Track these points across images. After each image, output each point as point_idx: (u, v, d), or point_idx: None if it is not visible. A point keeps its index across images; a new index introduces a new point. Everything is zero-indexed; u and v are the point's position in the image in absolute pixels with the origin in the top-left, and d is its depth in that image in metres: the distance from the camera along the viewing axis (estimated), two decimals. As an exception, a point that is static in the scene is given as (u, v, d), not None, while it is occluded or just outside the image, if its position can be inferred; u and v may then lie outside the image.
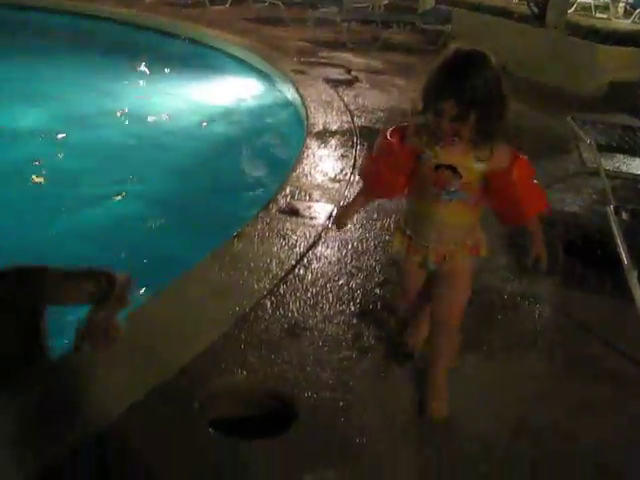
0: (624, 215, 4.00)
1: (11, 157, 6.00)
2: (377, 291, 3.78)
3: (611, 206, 4.13)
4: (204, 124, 7.43)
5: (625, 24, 12.48)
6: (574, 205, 5.40)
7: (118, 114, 7.72)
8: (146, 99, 8.36)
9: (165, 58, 9.95)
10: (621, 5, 14.33)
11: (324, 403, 2.80)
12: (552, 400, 3.04)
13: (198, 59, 10.18)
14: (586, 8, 13.33)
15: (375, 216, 4.79)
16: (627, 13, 13.93)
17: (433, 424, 2.77)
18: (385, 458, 2.57)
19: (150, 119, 7.58)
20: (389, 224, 4.69)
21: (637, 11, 13.12)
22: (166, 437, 2.57)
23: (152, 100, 8.35)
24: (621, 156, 6.17)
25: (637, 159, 6.39)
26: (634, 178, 6.20)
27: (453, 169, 2.49)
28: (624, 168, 6.17)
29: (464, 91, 2.32)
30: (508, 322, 3.63)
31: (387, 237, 4.47)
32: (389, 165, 2.64)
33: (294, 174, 5.42)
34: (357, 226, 4.60)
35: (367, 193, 2.91)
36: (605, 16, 13.15)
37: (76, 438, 2.49)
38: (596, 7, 13.55)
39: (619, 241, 3.62)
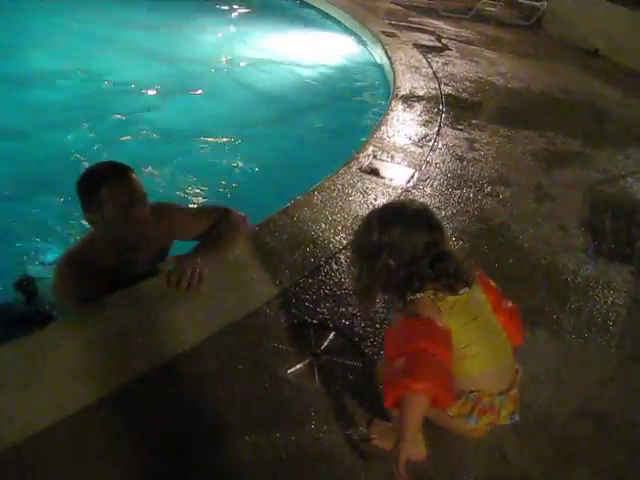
0: None
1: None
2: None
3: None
4: (295, 78, 7.47)
5: None
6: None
7: (221, 64, 7.84)
8: (242, 52, 8.42)
9: (260, 13, 9.99)
10: None
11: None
12: (616, 385, 3.04)
13: (292, 15, 10.17)
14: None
15: (455, 184, 4.80)
16: None
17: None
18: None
19: (248, 71, 7.65)
20: (469, 194, 4.68)
21: None
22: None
23: (247, 54, 8.40)
24: None
25: None
26: None
27: None
28: None
29: None
30: (580, 304, 3.61)
31: (465, 206, 4.48)
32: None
33: (377, 135, 5.43)
34: (436, 192, 4.61)
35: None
36: None
37: (145, 366, 2.62)
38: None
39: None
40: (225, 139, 5.86)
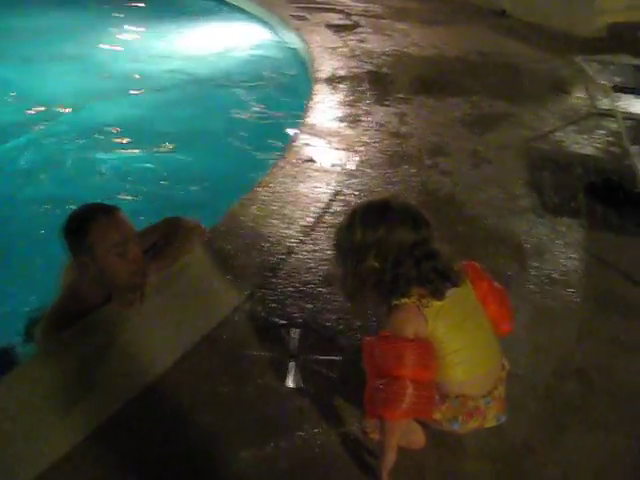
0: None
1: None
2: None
3: (637, 146, 4.12)
4: (211, 74, 7.24)
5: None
6: (589, 147, 5.38)
7: (118, 62, 7.57)
8: (145, 48, 8.18)
9: (161, 7, 9.70)
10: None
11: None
12: (587, 339, 3.08)
13: (193, 9, 9.90)
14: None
15: (395, 161, 4.78)
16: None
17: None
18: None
19: (153, 68, 7.42)
20: (411, 168, 4.67)
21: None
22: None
23: (151, 50, 8.17)
24: (630, 97, 6.13)
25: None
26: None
27: None
28: (633, 109, 6.16)
29: None
30: (539, 264, 3.64)
31: (409, 182, 4.47)
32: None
33: (307, 121, 5.36)
34: (378, 172, 4.59)
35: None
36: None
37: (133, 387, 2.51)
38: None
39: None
40: (146, 145, 5.66)
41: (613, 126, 5.70)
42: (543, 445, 2.47)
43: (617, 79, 5.51)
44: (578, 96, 6.60)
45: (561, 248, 3.82)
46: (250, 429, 2.42)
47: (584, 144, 5.45)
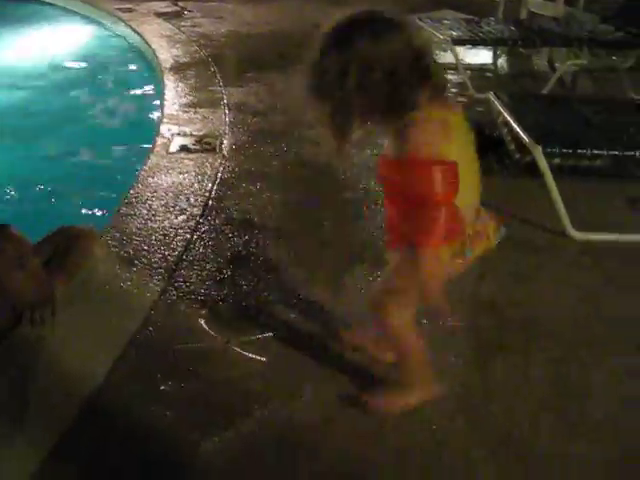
0: (505, 99, 4.25)
1: None
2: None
3: (491, 92, 4.38)
4: (49, 82, 6.81)
5: None
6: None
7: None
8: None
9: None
10: None
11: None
12: (487, 275, 3.25)
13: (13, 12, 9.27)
14: None
15: (267, 138, 4.81)
16: None
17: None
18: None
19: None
20: (282, 144, 4.72)
21: None
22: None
23: None
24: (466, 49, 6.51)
25: (481, 50, 6.79)
26: (481, 68, 6.61)
27: None
28: (469, 60, 6.55)
29: None
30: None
31: (285, 158, 4.52)
32: None
33: (166, 112, 5.26)
34: (252, 153, 4.60)
35: None
36: None
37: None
38: None
39: (513, 124, 3.84)
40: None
41: (453, 78, 6.02)
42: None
43: (453, 33, 5.83)
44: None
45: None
46: (205, 421, 2.38)
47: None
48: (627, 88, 5.81)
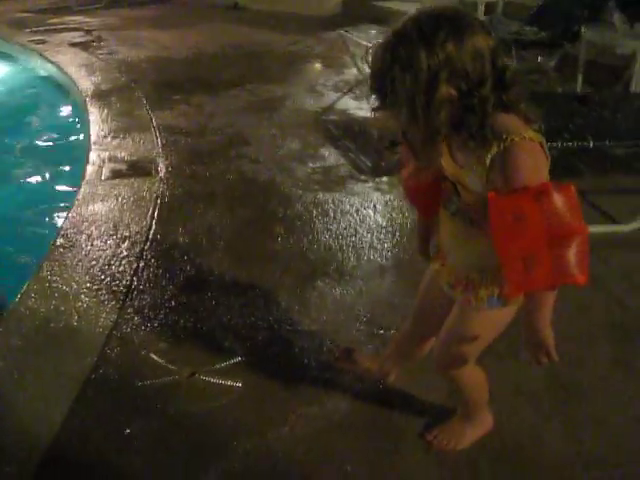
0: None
1: None
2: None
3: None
4: None
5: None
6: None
7: None
8: None
9: None
10: None
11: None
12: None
13: None
14: None
15: (207, 159, 4.60)
16: None
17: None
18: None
19: None
20: (226, 163, 4.52)
21: None
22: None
23: None
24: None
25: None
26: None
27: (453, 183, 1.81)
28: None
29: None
30: (378, 223, 3.68)
31: (228, 175, 4.33)
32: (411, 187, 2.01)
33: (95, 140, 4.97)
34: (199, 172, 4.37)
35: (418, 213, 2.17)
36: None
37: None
38: None
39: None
40: None
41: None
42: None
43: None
44: (342, 68, 6.81)
45: (394, 203, 3.90)
46: (179, 463, 2.14)
47: (366, 108, 5.60)
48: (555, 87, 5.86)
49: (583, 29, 5.49)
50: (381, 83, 1.58)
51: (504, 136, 1.54)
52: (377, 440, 2.23)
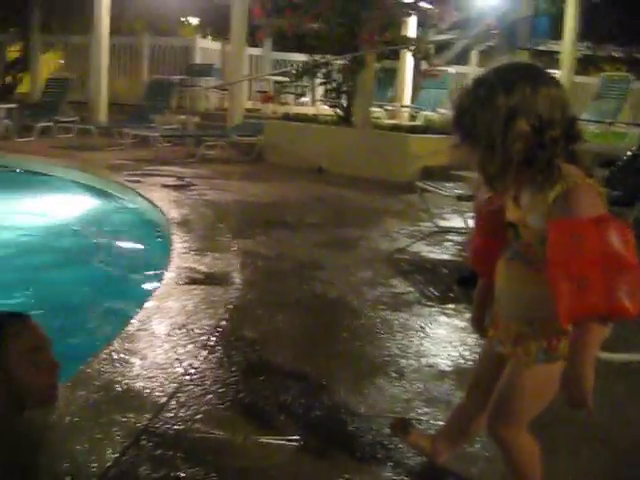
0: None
1: None
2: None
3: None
4: (66, 255, 6.68)
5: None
6: (443, 254, 5.78)
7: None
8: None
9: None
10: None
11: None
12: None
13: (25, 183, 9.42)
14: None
15: (278, 278, 4.76)
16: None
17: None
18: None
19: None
20: (306, 284, 4.68)
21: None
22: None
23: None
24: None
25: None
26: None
27: (514, 226, 1.92)
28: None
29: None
30: (439, 350, 3.70)
31: (306, 291, 4.46)
32: (479, 230, 2.16)
33: (175, 254, 5.23)
34: (263, 287, 4.53)
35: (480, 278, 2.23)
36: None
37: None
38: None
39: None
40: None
41: (456, 239, 6.16)
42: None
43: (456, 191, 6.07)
44: (417, 221, 7.06)
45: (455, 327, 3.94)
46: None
47: (438, 252, 5.83)
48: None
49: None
50: (462, 120, 1.80)
51: (568, 178, 1.72)
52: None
